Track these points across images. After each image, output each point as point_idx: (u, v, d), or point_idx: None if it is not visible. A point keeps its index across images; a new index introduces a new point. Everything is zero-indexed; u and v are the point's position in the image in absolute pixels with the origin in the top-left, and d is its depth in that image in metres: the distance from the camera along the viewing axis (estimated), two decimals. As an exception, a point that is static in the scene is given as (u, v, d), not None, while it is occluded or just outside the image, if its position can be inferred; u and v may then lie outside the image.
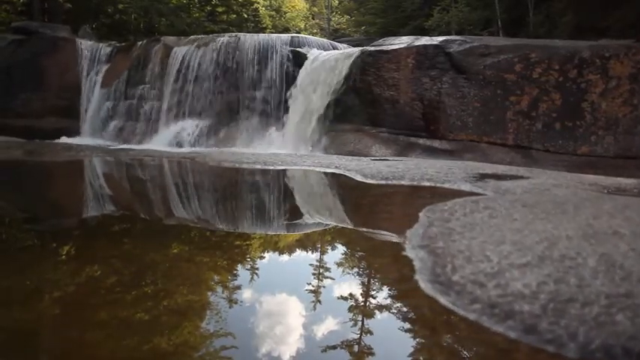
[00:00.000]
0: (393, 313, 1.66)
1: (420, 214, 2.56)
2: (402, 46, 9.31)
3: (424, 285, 1.64)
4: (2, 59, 11.32)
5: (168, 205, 3.95)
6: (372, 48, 9.68)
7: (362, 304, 1.73)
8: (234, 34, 11.26)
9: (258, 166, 5.99)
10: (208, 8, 23.63)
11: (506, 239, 1.81)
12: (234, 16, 24.99)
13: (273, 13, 30.83)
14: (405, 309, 1.67)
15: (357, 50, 9.94)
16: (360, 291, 1.86)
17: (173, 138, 10.38)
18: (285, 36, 11.16)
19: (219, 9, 24.50)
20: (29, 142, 9.38)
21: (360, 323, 1.56)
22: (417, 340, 1.48)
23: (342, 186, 4.64)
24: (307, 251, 2.56)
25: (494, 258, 1.66)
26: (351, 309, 1.68)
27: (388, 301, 1.76)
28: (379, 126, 9.44)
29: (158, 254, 2.35)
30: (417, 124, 8.95)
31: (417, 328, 1.54)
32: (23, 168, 6.44)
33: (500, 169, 5.07)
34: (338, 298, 1.80)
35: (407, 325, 1.56)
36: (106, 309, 1.62)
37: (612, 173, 5.86)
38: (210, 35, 11.76)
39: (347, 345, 1.43)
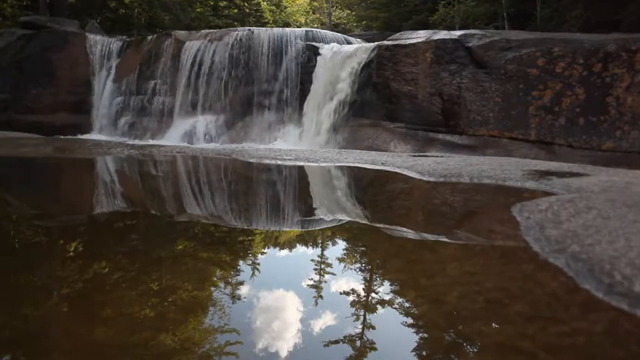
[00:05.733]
0: (599, 332, 1.43)
1: (514, 215, 2.48)
2: (420, 40, 9.21)
3: (602, 296, 1.53)
4: (12, 54, 11.11)
5: (251, 206, 3.63)
6: (389, 42, 9.58)
7: (552, 319, 1.51)
8: (247, 27, 11.10)
9: (301, 163, 5.81)
10: (211, 3, 23.41)
11: (654, 244, 1.75)
12: (236, 10, 24.78)
13: (274, 7, 30.55)
14: (608, 326, 1.44)
15: (373, 44, 9.84)
16: (539, 304, 1.63)
17: (187, 133, 10.24)
18: (300, 30, 11.03)
19: (222, 3, 24.29)
20: (56, 139, 9.16)
21: (570, 338, 1.39)
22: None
23: (406, 185, 4.29)
24: (448, 258, 2.28)
25: (669, 266, 1.58)
26: (536, 321, 1.49)
27: (578, 315, 1.52)
28: (397, 121, 9.37)
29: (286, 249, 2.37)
30: (436, 119, 8.89)
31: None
32: (68, 165, 6.24)
33: (550, 166, 4.95)
34: (512, 310, 1.59)
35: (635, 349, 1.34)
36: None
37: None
38: (224, 29, 11.60)
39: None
